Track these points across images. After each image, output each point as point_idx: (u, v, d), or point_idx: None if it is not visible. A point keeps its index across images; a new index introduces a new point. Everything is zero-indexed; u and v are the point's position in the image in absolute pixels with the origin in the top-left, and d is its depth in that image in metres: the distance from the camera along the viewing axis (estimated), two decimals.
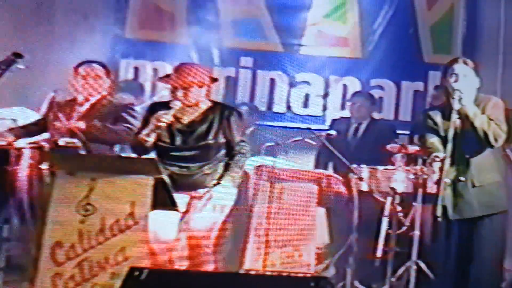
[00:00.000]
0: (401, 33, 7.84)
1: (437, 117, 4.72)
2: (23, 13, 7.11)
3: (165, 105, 4.65)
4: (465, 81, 4.65)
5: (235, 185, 4.71)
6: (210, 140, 4.65)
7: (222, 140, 4.69)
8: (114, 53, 7.46)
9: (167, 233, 4.59)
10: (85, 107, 5.25)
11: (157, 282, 3.30)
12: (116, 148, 5.43)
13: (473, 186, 4.62)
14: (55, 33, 7.13)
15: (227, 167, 4.68)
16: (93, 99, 5.28)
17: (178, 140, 4.66)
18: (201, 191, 4.63)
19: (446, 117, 4.63)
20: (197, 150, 4.65)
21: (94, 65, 5.33)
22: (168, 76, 4.84)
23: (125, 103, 5.71)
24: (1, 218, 4.79)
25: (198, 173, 4.63)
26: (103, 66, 5.39)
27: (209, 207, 4.59)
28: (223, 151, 4.71)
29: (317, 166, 6.68)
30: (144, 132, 4.57)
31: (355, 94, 7.18)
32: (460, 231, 4.80)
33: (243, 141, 4.74)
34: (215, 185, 4.62)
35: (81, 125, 5.04)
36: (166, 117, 4.53)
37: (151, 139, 4.55)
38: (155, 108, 4.75)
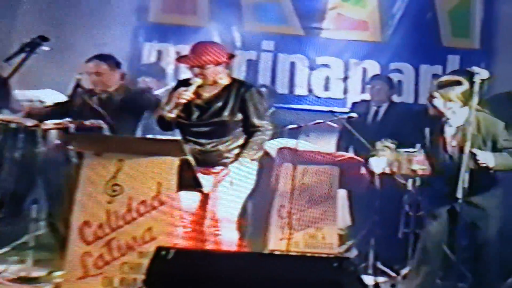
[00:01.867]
0: (419, 17, 7.76)
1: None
2: None
3: (188, 83, 4.64)
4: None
5: (254, 163, 4.66)
6: (225, 116, 4.62)
7: (239, 117, 4.65)
8: (137, 36, 7.45)
9: (192, 212, 4.56)
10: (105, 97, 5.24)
11: (184, 262, 3.29)
12: (139, 131, 5.43)
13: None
14: (80, 17, 7.10)
15: (245, 145, 4.64)
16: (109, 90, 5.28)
17: (195, 116, 4.64)
18: (217, 168, 4.60)
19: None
20: (212, 126, 4.62)
21: (97, 61, 5.26)
22: (185, 56, 4.80)
23: (143, 88, 5.67)
24: (30, 198, 4.79)
25: (213, 150, 4.60)
26: (108, 60, 5.32)
27: (225, 184, 4.55)
28: (240, 128, 4.68)
29: (338, 148, 6.63)
30: (167, 108, 4.56)
31: (373, 77, 7.12)
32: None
33: (264, 120, 4.70)
34: (232, 162, 4.58)
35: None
36: (186, 93, 4.52)
37: (173, 115, 4.53)
38: (179, 86, 4.73)
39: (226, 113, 4.62)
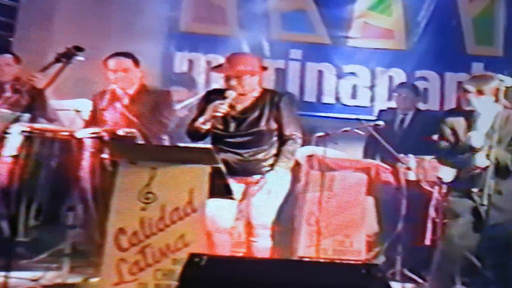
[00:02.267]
0: (444, 25, 7.71)
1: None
2: (84, 9, 7.14)
3: (220, 93, 4.65)
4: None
5: (288, 171, 4.67)
6: (262, 126, 4.63)
7: (273, 126, 4.67)
8: (169, 46, 7.48)
9: (224, 221, 4.57)
10: (126, 101, 5.25)
11: (216, 268, 3.30)
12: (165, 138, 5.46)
13: None
14: (113, 27, 7.15)
15: (279, 153, 4.65)
16: (130, 92, 5.29)
17: (232, 127, 4.65)
18: (255, 177, 4.61)
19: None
20: (250, 136, 4.64)
21: (121, 58, 5.30)
22: (220, 66, 4.81)
23: (162, 90, 5.69)
24: (66, 206, 4.82)
25: (252, 159, 4.61)
26: (131, 57, 5.36)
27: (263, 193, 4.56)
28: (275, 137, 4.69)
29: (365, 156, 6.60)
30: (200, 119, 4.57)
31: (399, 85, 7.07)
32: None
33: (296, 129, 4.71)
34: (268, 171, 4.59)
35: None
36: (222, 107, 4.52)
37: (207, 126, 4.55)
38: (210, 96, 4.75)
39: (262, 123, 4.63)
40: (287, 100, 4.76)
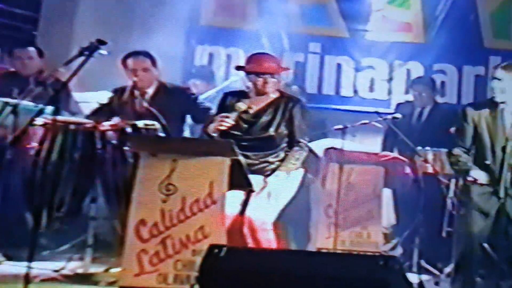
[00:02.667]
0: (462, 19, 7.62)
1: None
2: (106, 3, 7.14)
3: (239, 94, 4.65)
4: None
5: (292, 175, 4.68)
6: (272, 131, 4.64)
7: (284, 131, 4.66)
8: (189, 39, 7.47)
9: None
10: (146, 101, 5.26)
11: (235, 260, 3.29)
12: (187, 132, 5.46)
13: None
14: (135, 21, 7.15)
15: (285, 157, 4.66)
16: (150, 91, 5.28)
17: (243, 129, 4.64)
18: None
19: None
20: (259, 140, 4.64)
21: (140, 57, 5.29)
22: (243, 66, 4.83)
23: (181, 87, 5.69)
24: (89, 197, 4.83)
25: (259, 162, 4.62)
26: (149, 56, 5.35)
27: (263, 196, 4.56)
28: (285, 143, 4.68)
29: (384, 148, 6.56)
30: (210, 127, 4.58)
31: (415, 81, 6.94)
32: None
33: (305, 136, 4.70)
34: (269, 174, 4.60)
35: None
36: (228, 121, 4.51)
37: (215, 134, 4.55)
38: (227, 97, 4.76)
39: (272, 128, 4.65)
40: (301, 106, 4.76)
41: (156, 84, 5.33)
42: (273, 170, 4.61)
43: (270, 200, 4.57)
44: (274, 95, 4.72)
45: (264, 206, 4.56)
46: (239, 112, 4.57)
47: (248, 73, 4.72)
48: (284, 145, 4.69)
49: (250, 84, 4.71)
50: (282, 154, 4.67)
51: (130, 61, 5.28)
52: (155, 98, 5.27)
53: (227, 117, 4.54)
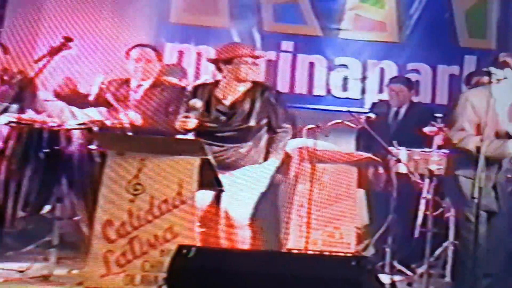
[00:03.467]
0: (437, 18, 7.69)
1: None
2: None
3: (207, 87, 4.65)
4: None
5: (273, 166, 4.69)
6: (252, 122, 4.63)
7: (264, 121, 4.67)
8: (159, 37, 7.43)
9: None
10: (139, 94, 5.23)
11: (205, 260, 3.30)
12: None
13: None
14: (103, 18, 7.10)
15: (269, 146, 4.67)
16: (145, 84, 5.26)
17: (220, 121, 4.64)
18: (237, 170, 4.62)
19: None
20: (237, 131, 4.63)
21: (146, 48, 5.31)
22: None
23: (177, 85, 5.69)
24: (54, 197, 4.80)
25: (235, 153, 4.62)
26: (155, 49, 5.37)
27: (242, 187, 4.57)
28: (263, 132, 4.69)
29: (357, 148, 6.59)
30: (177, 125, 4.58)
31: (392, 80, 7.00)
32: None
33: (285, 122, 4.72)
34: (250, 164, 4.62)
35: (137, 118, 5.01)
36: (190, 121, 4.51)
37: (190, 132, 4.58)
38: (197, 90, 4.75)
39: (252, 119, 4.65)
40: (276, 94, 4.78)
41: (153, 79, 5.30)
42: (257, 159, 4.63)
43: (247, 191, 4.58)
44: (248, 84, 4.72)
45: (241, 199, 4.57)
46: (198, 110, 4.55)
47: (226, 61, 4.68)
48: (263, 132, 4.70)
49: (226, 73, 4.69)
50: (262, 143, 4.68)
51: (135, 51, 5.29)
52: (148, 93, 5.24)
53: (187, 116, 4.53)
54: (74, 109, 4.91)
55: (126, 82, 5.26)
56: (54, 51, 4.37)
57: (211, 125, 4.63)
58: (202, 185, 4.25)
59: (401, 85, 6.73)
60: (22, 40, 6.59)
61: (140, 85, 5.24)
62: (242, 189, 4.57)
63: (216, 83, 4.79)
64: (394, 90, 6.70)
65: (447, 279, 5.55)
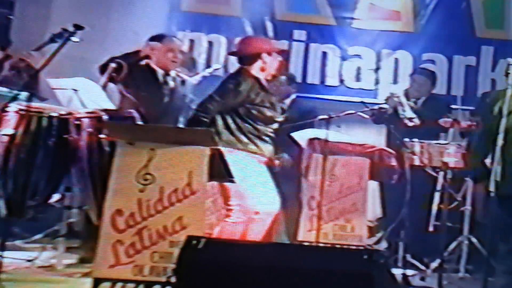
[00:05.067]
0: (453, 8, 7.68)
1: None
2: None
3: None
4: None
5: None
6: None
7: None
8: (170, 25, 7.44)
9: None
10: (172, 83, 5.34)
11: (214, 251, 3.30)
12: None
13: None
14: (114, 6, 7.13)
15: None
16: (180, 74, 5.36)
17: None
18: None
19: None
20: None
21: (176, 39, 5.36)
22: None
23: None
24: (63, 186, 4.82)
25: None
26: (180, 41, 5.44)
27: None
28: None
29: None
30: None
31: (418, 70, 6.97)
32: None
33: None
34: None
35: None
36: None
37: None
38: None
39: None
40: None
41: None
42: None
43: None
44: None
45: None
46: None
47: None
48: None
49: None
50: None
51: (166, 41, 5.36)
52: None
53: None
54: (83, 97, 4.90)
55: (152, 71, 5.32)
56: (56, 40, 4.36)
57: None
58: (213, 176, 4.27)
59: (426, 78, 6.70)
60: (32, 29, 6.62)
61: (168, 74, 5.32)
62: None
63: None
64: (417, 81, 6.67)
65: (461, 274, 5.55)
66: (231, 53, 5.00)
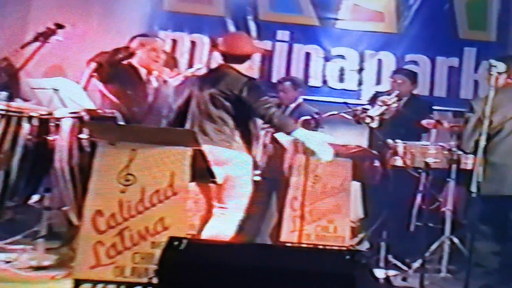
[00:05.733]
0: (436, 9, 7.74)
1: None
2: None
3: None
4: None
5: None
6: None
7: None
8: (152, 24, 7.43)
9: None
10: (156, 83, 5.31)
11: (196, 253, 3.30)
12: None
13: None
14: (95, 5, 7.09)
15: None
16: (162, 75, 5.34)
17: None
18: None
19: None
20: None
21: (158, 39, 5.34)
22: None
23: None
24: (43, 187, 4.80)
25: None
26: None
27: None
28: None
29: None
30: None
31: (396, 71, 7.00)
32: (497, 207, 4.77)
33: None
34: None
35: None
36: None
37: None
38: None
39: None
40: None
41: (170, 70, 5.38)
42: None
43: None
44: None
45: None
46: None
47: None
48: None
49: None
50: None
51: (149, 40, 5.35)
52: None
53: None
54: (64, 97, 4.88)
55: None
56: (40, 37, 4.35)
57: None
58: (195, 177, 4.26)
59: (405, 77, 6.73)
60: (11, 27, 6.58)
61: (150, 74, 5.30)
62: None
63: None
64: (397, 81, 6.70)
65: (443, 274, 5.58)
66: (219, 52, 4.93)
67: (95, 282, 3.89)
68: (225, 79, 4.60)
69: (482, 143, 4.45)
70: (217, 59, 4.88)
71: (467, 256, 5.01)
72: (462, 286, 4.47)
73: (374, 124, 5.42)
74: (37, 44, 4.39)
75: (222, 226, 4.56)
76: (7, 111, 4.60)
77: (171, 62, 6.81)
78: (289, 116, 6.05)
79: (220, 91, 4.58)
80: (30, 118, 4.72)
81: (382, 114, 5.52)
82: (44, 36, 4.52)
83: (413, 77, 6.83)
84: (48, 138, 4.72)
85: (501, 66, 4.59)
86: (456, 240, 5.61)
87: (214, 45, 5.04)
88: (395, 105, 5.79)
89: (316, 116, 5.61)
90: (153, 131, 4.47)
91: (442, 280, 5.49)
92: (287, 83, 6.72)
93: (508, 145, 4.80)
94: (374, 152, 5.85)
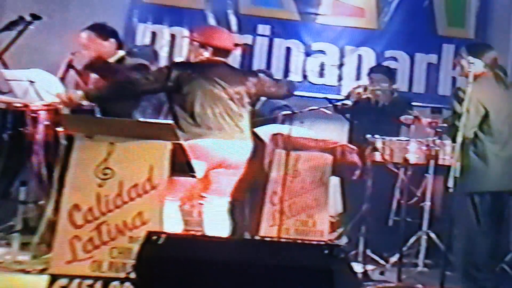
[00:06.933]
0: (416, 5, 7.76)
1: None
2: None
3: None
4: None
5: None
6: None
7: None
8: (131, 17, 7.35)
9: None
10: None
11: (174, 247, 3.26)
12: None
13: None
14: None
15: None
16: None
17: None
18: None
19: None
20: None
21: (87, 31, 5.17)
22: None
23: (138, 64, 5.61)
24: (18, 180, 4.74)
25: None
26: (101, 28, 5.24)
27: None
28: None
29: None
30: None
31: (373, 68, 7.00)
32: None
33: None
34: None
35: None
36: None
37: None
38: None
39: None
40: None
41: (115, 58, 5.24)
42: None
43: None
44: None
45: None
46: None
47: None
48: None
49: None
50: None
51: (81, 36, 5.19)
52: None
53: None
54: (40, 89, 4.80)
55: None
56: (12, 28, 4.26)
57: None
58: (174, 171, 4.22)
59: (382, 75, 6.72)
60: None
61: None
62: None
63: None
64: (374, 79, 6.69)
65: (420, 268, 5.60)
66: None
67: (71, 277, 3.82)
68: None
69: (459, 138, 4.46)
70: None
71: (443, 250, 5.04)
72: (438, 280, 4.48)
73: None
74: (11, 33, 4.29)
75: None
76: None
77: (151, 55, 6.77)
78: (261, 108, 6.02)
79: None
80: (5, 110, 4.64)
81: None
82: (19, 25, 4.43)
83: (390, 74, 6.84)
84: (24, 130, 4.64)
85: (478, 63, 4.63)
86: (433, 234, 5.64)
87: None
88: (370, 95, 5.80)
89: (287, 108, 5.59)
90: (131, 124, 4.39)
91: (418, 274, 5.51)
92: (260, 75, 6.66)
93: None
94: (354, 147, 5.83)
